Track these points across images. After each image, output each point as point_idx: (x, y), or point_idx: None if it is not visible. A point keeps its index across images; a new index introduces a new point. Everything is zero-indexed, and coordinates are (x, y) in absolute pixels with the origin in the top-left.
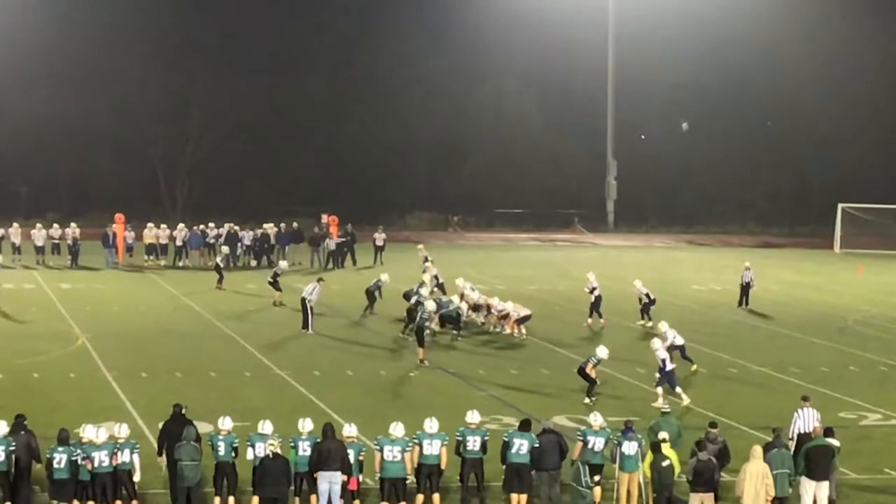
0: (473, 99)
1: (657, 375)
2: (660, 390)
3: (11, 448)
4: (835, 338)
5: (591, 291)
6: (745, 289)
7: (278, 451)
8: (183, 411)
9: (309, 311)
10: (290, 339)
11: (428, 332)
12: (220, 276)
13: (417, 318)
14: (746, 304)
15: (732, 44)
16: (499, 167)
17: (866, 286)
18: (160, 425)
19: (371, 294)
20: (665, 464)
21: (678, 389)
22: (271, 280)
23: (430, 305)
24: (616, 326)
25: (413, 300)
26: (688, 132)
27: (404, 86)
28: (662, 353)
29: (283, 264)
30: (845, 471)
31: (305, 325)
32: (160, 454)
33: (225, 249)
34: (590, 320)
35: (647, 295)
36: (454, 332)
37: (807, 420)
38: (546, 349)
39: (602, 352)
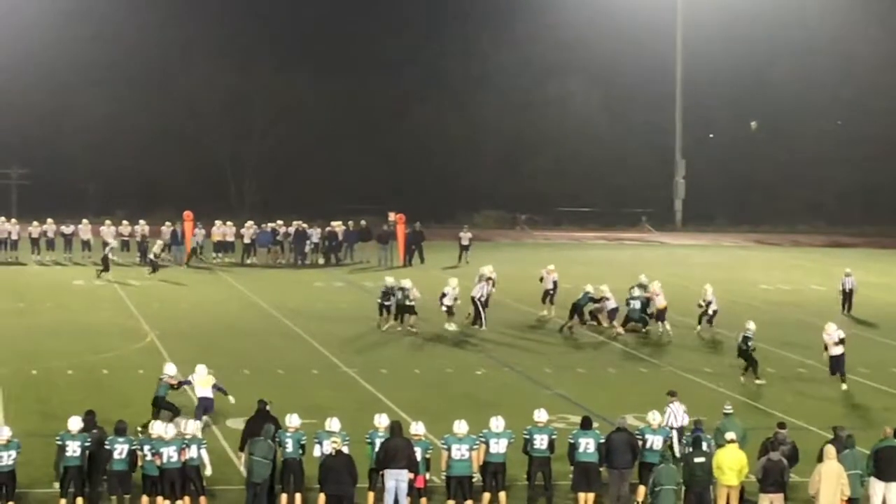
0: (539, 97)
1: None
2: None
3: (87, 444)
4: None
5: (707, 306)
6: (848, 295)
7: (341, 448)
8: (267, 407)
9: (480, 308)
10: (357, 337)
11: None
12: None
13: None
14: (849, 310)
15: (802, 42)
16: (565, 166)
17: None
18: (244, 421)
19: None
20: (698, 460)
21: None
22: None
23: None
24: (681, 326)
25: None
26: (756, 131)
27: (470, 84)
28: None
29: (405, 283)
30: None
31: (475, 322)
32: (241, 450)
33: (117, 245)
34: (698, 327)
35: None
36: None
37: (677, 414)
38: (612, 348)
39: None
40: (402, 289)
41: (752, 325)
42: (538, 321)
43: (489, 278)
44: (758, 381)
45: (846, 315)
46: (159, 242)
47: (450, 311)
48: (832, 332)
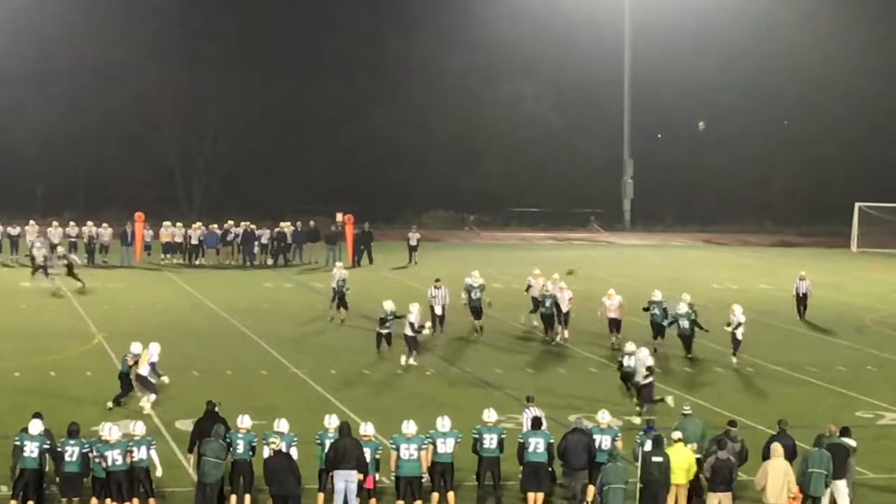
0: (490, 98)
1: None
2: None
3: (45, 446)
4: (852, 337)
5: (736, 328)
6: (803, 299)
7: (280, 447)
8: (216, 409)
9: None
10: (306, 338)
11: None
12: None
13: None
14: (804, 314)
15: (749, 43)
16: (515, 166)
17: (883, 285)
18: (193, 422)
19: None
20: (656, 460)
21: None
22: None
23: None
24: (631, 325)
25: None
26: (705, 131)
27: (421, 85)
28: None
29: (342, 273)
30: (862, 470)
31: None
32: (190, 451)
33: (39, 248)
34: (734, 359)
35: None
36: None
37: (530, 418)
38: (563, 349)
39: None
40: (343, 280)
41: (631, 346)
42: (525, 333)
43: (437, 279)
44: (637, 409)
45: (801, 319)
46: (56, 246)
47: (414, 341)
48: (642, 357)
